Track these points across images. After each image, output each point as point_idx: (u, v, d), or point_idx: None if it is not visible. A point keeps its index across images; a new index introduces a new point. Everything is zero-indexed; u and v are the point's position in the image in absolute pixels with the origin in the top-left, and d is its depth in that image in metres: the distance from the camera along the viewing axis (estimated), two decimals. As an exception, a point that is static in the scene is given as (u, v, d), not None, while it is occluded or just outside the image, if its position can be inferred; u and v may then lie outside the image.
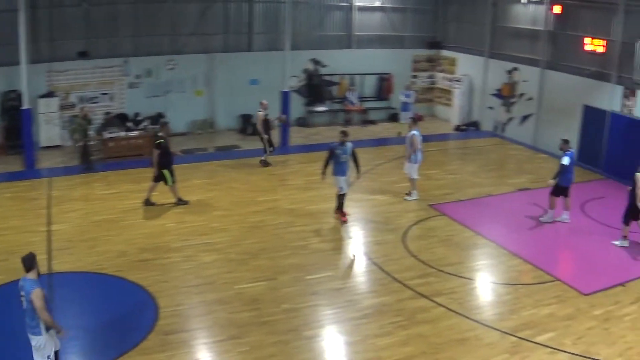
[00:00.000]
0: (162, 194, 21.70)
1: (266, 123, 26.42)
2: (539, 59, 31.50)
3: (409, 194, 23.43)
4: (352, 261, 18.17)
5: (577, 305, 16.04)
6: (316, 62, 33.60)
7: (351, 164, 20.17)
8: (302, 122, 33.32)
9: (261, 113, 26.34)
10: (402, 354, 13.34)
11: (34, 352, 11.15)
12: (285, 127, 29.40)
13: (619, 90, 27.34)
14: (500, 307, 15.82)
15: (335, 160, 19.93)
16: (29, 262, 11.07)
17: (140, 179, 23.55)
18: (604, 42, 27.81)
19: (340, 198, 20.37)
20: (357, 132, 31.88)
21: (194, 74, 30.73)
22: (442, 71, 37.64)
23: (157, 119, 28.60)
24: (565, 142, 21.52)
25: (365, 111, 34.81)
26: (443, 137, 33.39)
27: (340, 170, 19.99)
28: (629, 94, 26.87)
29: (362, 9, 34.74)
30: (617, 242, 20.08)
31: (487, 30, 34.43)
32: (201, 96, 31.12)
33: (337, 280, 16.56)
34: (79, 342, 12.32)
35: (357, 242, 19.38)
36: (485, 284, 17.41)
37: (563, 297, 16.44)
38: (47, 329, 11.05)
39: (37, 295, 10.73)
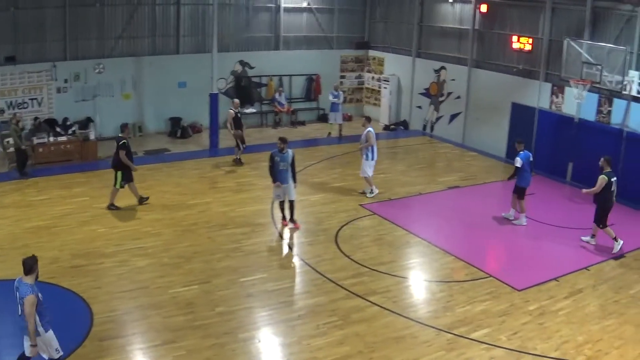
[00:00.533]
0: (122, 198, 21.55)
1: (237, 121, 26.55)
2: (467, 58, 31.89)
3: (364, 192, 23.92)
4: (286, 262, 18.14)
5: (511, 300, 16.26)
6: (244, 63, 33.47)
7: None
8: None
9: (232, 111, 26.50)
10: (338, 353, 13.35)
11: (25, 346, 11.31)
12: (214, 129, 29.21)
13: (547, 87, 27.78)
14: (435, 304, 15.92)
15: (275, 167, 19.66)
16: (30, 265, 11.17)
17: (71, 185, 23.26)
18: (531, 40, 28.22)
19: (281, 205, 20.22)
20: (286, 133, 31.69)
21: (122, 78, 30.32)
22: (370, 71, 37.79)
23: (85, 123, 28.19)
24: (519, 142, 21.81)
25: (294, 112, 34.79)
26: (372, 137, 33.50)
27: (277, 179, 19.73)
28: (557, 91, 27.30)
29: (289, 10, 34.72)
30: (585, 238, 20.47)
31: (415, 30, 34.69)
32: (129, 100, 30.75)
33: (271, 281, 16.50)
34: (15, 350, 12.09)
35: (289, 243, 19.34)
36: (419, 282, 17.51)
37: (496, 293, 16.63)
38: (47, 329, 11.26)
39: (29, 302, 10.81)
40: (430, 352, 13.63)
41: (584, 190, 20.16)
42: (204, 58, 29.98)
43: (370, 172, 23.66)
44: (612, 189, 19.55)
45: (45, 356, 11.50)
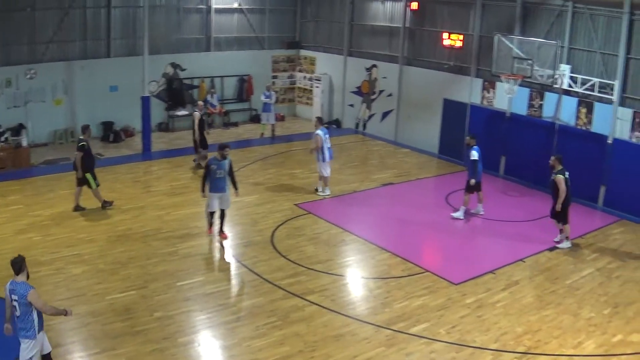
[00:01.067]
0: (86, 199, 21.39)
1: (201, 124, 26.26)
2: (398, 56, 32.02)
3: (318, 190, 24.03)
4: (223, 265, 17.98)
5: (449, 295, 16.37)
6: (175, 66, 33.14)
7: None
8: (164, 127, 32.82)
9: (197, 114, 26.25)
10: (278, 354, 13.25)
11: (23, 354, 11.25)
12: (146, 133, 28.89)
13: (478, 83, 28.07)
14: (373, 301, 15.93)
15: (212, 176, 19.08)
16: (19, 265, 11.16)
17: (4, 193, 22.64)
18: (462, 37, 28.46)
19: (210, 216, 19.57)
20: (219, 134, 31.70)
21: (54, 83, 29.74)
22: (301, 71, 37.75)
23: (18, 130, 27.62)
24: (472, 137, 22.04)
25: (226, 113, 34.58)
26: (305, 136, 33.32)
27: (214, 187, 19.15)
28: (489, 86, 27.60)
29: (220, 10, 34.46)
30: (560, 244, 20.31)
31: (346, 29, 34.76)
32: (61, 105, 30.22)
33: (209, 284, 16.33)
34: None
35: (225, 245, 19.10)
36: (356, 279, 17.53)
37: (434, 287, 16.72)
38: (40, 330, 11.30)
39: (34, 297, 10.98)
40: (370, 348, 13.63)
41: (558, 207, 19.79)
42: (135, 61, 29.61)
43: (324, 172, 23.71)
44: (568, 185, 19.85)
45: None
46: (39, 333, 11.27)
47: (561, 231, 20.30)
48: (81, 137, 21.26)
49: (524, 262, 18.75)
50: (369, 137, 33.41)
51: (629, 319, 15.70)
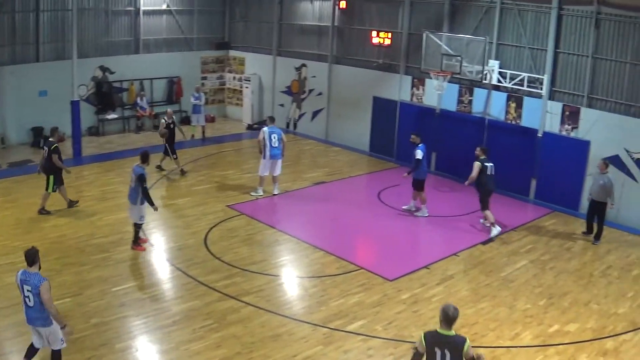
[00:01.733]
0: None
1: (168, 130, 25.82)
2: (327, 55, 32.05)
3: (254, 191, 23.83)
4: (157, 268, 17.69)
5: (384, 291, 16.41)
6: (104, 69, 32.62)
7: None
8: (94, 132, 32.30)
9: (163, 122, 25.91)
10: (216, 356, 13.12)
11: (51, 341, 11.72)
12: (76, 138, 28.40)
13: (407, 80, 28.23)
14: (309, 300, 15.89)
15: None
16: (32, 256, 11.53)
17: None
18: (391, 35, 28.58)
19: (136, 227, 18.75)
20: (149, 137, 31.39)
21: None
22: (231, 71, 37.55)
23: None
24: (417, 135, 22.15)
25: (156, 116, 34.15)
26: (236, 137, 33.34)
27: (129, 196, 18.56)
28: (418, 83, 27.80)
29: (149, 12, 34.04)
30: (491, 234, 20.74)
31: (275, 29, 34.67)
32: (-11, 112, 29.60)
33: (144, 289, 16.11)
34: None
35: (159, 249, 18.82)
36: (291, 278, 17.47)
37: (369, 284, 16.75)
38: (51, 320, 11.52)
39: (45, 288, 11.26)
40: (308, 347, 13.58)
41: (466, 183, 20.89)
42: (64, 65, 29.02)
43: (261, 171, 23.68)
44: (488, 173, 20.52)
45: (53, 347, 11.80)
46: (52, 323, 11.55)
47: (485, 218, 20.86)
48: (51, 140, 21.30)
49: (458, 256, 18.92)
50: (300, 136, 33.39)
51: (564, 309, 15.95)
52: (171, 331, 14.06)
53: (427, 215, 22.23)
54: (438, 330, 10.13)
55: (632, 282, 17.97)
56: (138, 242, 18.66)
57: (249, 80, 35.75)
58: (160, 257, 18.24)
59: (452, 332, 10.08)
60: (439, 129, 26.94)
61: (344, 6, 30.89)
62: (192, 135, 31.88)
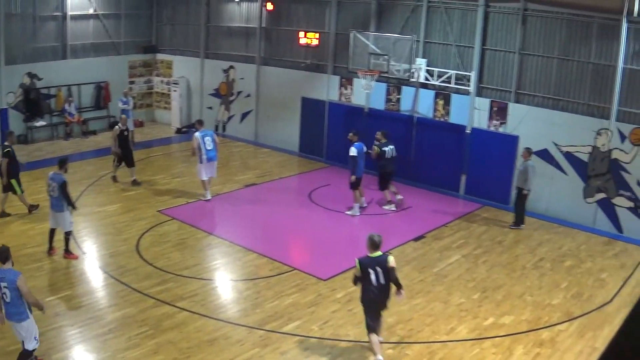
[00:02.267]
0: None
1: (121, 138, 25.23)
2: (255, 56, 31.98)
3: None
4: (90, 277, 17.44)
5: (318, 291, 16.49)
6: (32, 75, 32.04)
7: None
8: (22, 140, 31.69)
9: (117, 128, 25.42)
10: (153, 363, 13.03)
11: (25, 337, 12.21)
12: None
13: (335, 80, 28.33)
14: (243, 303, 15.86)
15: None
16: (4, 253, 12.08)
17: None
18: (318, 35, 28.65)
19: (66, 235, 18.35)
20: (78, 144, 31.00)
21: None
22: (159, 75, 37.24)
23: None
24: (354, 134, 22.58)
25: (84, 122, 33.73)
26: (165, 141, 33.11)
27: (50, 204, 18.17)
28: (346, 82, 27.92)
29: (76, 17, 33.47)
30: (386, 207, 22.39)
31: (202, 31, 34.46)
32: None
33: (77, 298, 15.86)
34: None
35: (91, 256, 18.54)
36: (225, 282, 17.46)
37: (303, 285, 16.78)
38: (31, 311, 12.18)
39: (22, 281, 11.88)
40: (244, 350, 13.55)
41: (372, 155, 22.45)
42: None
43: (201, 175, 23.57)
44: (387, 157, 22.04)
45: (26, 345, 12.25)
46: (31, 313, 12.16)
47: (394, 195, 22.28)
48: (5, 144, 21.27)
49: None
50: (230, 138, 33.23)
51: (498, 302, 16.18)
52: (107, 339, 13.88)
53: (358, 214, 22.35)
54: (368, 254, 13.37)
55: (565, 273, 18.31)
56: (69, 249, 18.34)
57: (177, 84, 35.49)
58: (93, 265, 17.99)
59: (379, 253, 13.38)
60: (367, 128, 27.03)
61: (272, 8, 30.86)
62: (122, 140, 31.57)
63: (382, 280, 13.28)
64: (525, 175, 21.29)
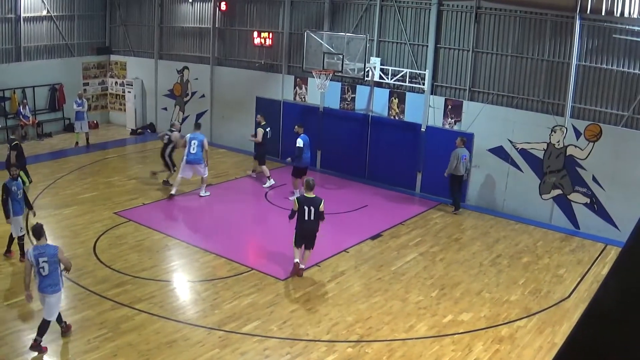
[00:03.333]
0: None
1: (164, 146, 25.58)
2: (209, 56, 31.90)
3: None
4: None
5: (277, 291, 16.47)
6: (-14, 78, 31.76)
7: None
8: (-24, 143, 31.39)
9: (175, 134, 25.66)
10: (112, 366, 12.92)
11: (52, 308, 13.33)
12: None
13: (290, 79, 28.36)
14: (202, 304, 15.78)
15: (12, 197, 17.63)
16: (38, 231, 13.25)
17: None
18: (272, 35, 28.63)
19: (20, 240, 18.00)
20: (34, 146, 30.64)
21: None
22: (113, 76, 36.95)
23: None
24: (300, 126, 23.75)
25: (39, 124, 33.39)
26: (120, 143, 32.91)
27: (18, 209, 17.82)
28: (301, 82, 27.94)
29: (29, 19, 33.10)
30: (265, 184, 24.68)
31: (155, 32, 34.27)
32: None
33: (36, 301, 15.46)
34: None
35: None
36: (183, 283, 17.39)
37: (261, 285, 16.76)
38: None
39: (62, 252, 13.41)
40: (204, 351, 13.47)
41: (250, 138, 25.14)
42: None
43: (180, 172, 23.99)
44: (268, 137, 25.57)
45: (47, 317, 13.27)
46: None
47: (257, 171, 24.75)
48: (12, 137, 22.08)
49: (348, 252, 19.12)
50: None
51: (456, 299, 16.29)
52: (66, 343, 13.74)
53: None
54: (304, 194, 17.49)
55: (523, 269, 18.49)
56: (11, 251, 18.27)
57: (131, 85, 35.28)
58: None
59: (313, 195, 17.21)
60: (323, 127, 27.10)
61: (225, 8, 30.77)
62: (77, 143, 31.27)
63: (312, 217, 17.13)
64: (451, 161, 22.63)
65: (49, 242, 19.02)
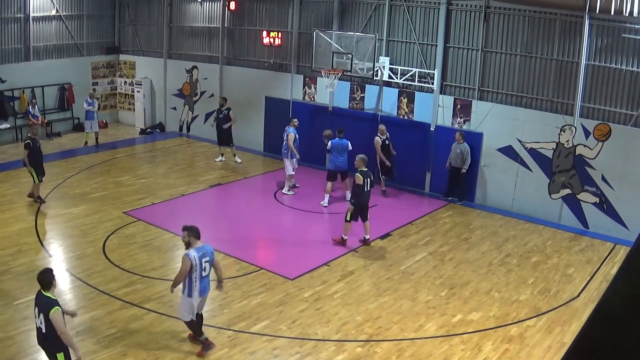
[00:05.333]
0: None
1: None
2: (218, 56, 31.92)
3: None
4: (57, 279, 17.21)
5: (286, 290, 16.46)
6: (-5, 77, 31.83)
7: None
8: (-14, 143, 31.45)
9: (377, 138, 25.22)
10: (122, 365, 12.94)
11: (202, 307, 13.79)
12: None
13: (299, 79, 28.37)
14: (211, 303, 15.69)
15: None
16: (196, 230, 13.37)
17: None
18: (281, 34, 28.65)
19: None
20: (43, 146, 30.30)
21: None
22: (122, 76, 36.99)
23: None
24: (339, 131, 23.82)
25: (48, 124, 33.45)
26: (129, 142, 32.94)
27: None
28: (310, 82, 27.94)
29: (38, 18, 33.18)
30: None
31: (165, 31, 34.30)
32: None
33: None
34: None
35: (57, 259, 18.38)
36: (193, 283, 17.29)
37: (270, 284, 16.76)
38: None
39: (218, 261, 13.72)
40: (213, 351, 13.48)
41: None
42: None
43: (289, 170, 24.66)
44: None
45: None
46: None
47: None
48: (28, 135, 22.87)
49: (357, 252, 19.10)
50: (194, 139, 33.17)
51: (466, 298, 16.28)
52: (76, 342, 13.77)
53: (326, 205, 22.89)
54: (362, 169, 19.14)
55: (532, 269, 18.48)
56: None
57: (140, 85, 35.32)
58: (60, 267, 17.75)
59: (366, 169, 19.28)
60: (332, 127, 27.07)
61: (234, 7, 30.79)
62: (86, 142, 31.32)
63: (369, 187, 19.18)
64: (465, 156, 23.25)
65: (61, 240, 19.44)
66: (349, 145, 23.37)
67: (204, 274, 13.03)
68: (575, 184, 21.99)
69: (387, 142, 24.01)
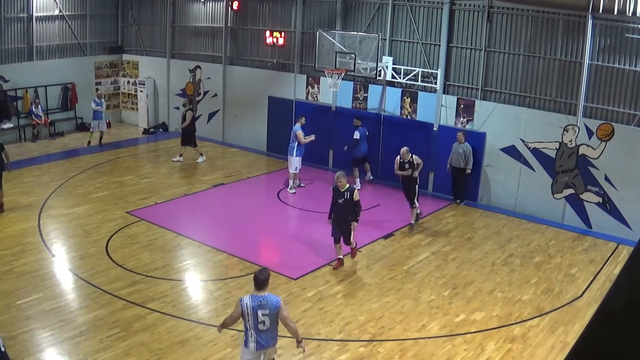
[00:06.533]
0: None
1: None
2: (221, 56, 31.92)
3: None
4: (60, 279, 17.26)
5: (289, 290, 16.48)
6: (-2, 77, 31.86)
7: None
8: (-11, 142, 31.45)
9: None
10: (125, 365, 12.95)
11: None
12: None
13: (302, 79, 28.36)
14: (214, 303, 15.81)
15: None
16: (257, 282, 11.59)
17: None
18: (284, 34, 28.66)
19: None
20: (46, 146, 30.74)
21: None
22: (125, 75, 36.99)
23: None
24: (358, 119, 25.02)
25: (52, 123, 33.45)
26: (132, 142, 32.96)
27: None
28: (313, 81, 27.92)
29: (41, 18, 33.17)
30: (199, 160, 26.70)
31: (168, 31, 34.30)
32: None
33: (48, 300, 15.67)
34: None
35: (60, 259, 18.41)
36: (195, 282, 17.39)
37: (273, 284, 16.50)
38: None
39: (284, 307, 11.59)
40: (217, 350, 13.53)
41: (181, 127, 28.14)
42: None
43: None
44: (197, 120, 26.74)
45: None
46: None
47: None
48: None
49: (360, 251, 19.03)
50: (198, 139, 33.09)
51: (469, 298, 16.28)
52: (79, 342, 13.77)
53: (359, 187, 23.09)
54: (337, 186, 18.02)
55: (535, 269, 18.48)
56: None
57: (144, 84, 35.32)
58: (63, 267, 17.84)
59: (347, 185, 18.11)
60: (335, 126, 27.09)
61: (237, 7, 30.79)
62: (89, 142, 31.30)
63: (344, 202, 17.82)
64: (467, 156, 23.41)
65: (64, 240, 19.41)
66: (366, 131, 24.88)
67: (261, 327, 11.19)
68: (578, 183, 21.97)
69: (406, 165, 21.64)
